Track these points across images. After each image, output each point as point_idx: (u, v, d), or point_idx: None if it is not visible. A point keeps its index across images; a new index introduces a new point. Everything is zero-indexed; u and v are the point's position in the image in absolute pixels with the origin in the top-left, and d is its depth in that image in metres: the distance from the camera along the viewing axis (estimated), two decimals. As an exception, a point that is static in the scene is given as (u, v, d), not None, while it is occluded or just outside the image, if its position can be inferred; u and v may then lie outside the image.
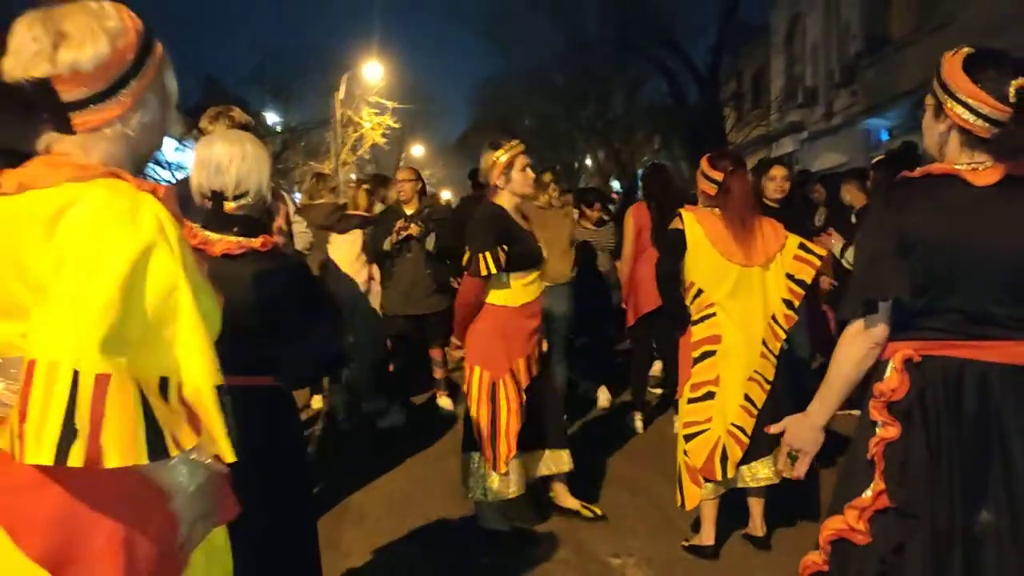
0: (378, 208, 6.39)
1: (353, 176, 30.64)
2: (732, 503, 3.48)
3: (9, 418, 1.14)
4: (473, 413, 3.50)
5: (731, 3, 18.11)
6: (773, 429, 2.11)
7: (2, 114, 1.30)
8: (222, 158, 2.18)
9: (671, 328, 3.66)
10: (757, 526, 3.47)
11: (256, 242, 2.18)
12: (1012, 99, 1.69)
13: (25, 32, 1.28)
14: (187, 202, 2.26)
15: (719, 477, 3.26)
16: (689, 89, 19.54)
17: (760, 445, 3.26)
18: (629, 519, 3.84)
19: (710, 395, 3.32)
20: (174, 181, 6.00)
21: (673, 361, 3.91)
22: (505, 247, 3.43)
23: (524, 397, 3.52)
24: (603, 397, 5.97)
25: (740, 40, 19.97)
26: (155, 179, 10.83)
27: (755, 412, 3.25)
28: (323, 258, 5.76)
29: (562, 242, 5.32)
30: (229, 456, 1.29)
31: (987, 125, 1.73)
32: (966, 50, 1.78)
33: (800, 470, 2.09)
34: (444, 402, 6.04)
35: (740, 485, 3.38)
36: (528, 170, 3.57)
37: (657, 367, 6.16)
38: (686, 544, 3.48)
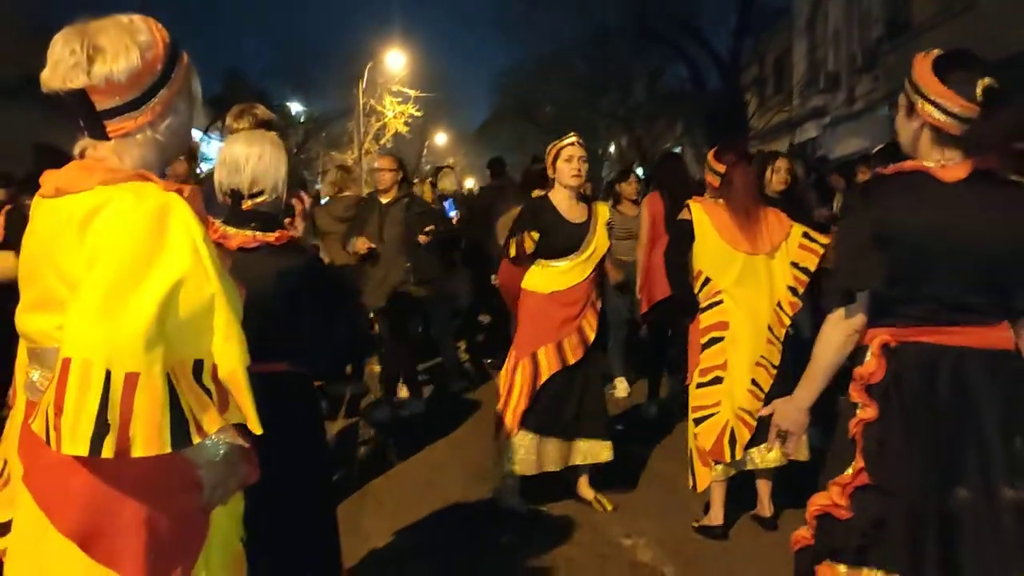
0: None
1: (376, 164, 30.87)
2: (741, 485, 3.61)
3: (42, 403, 1.27)
4: (501, 403, 3.76)
5: (752, -13, 18.00)
6: (763, 412, 2.23)
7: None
8: (239, 157, 2.32)
9: (682, 315, 3.77)
10: (765, 507, 3.58)
11: (271, 236, 2.32)
12: (979, 98, 1.79)
13: (63, 46, 1.40)
14: (210, 199, 2.41)
15: (727, 459, 3.38)
16: (710, 75, 19.46)
17: (768, 428, 3.36)
18: (642, 502, 3.97)
19: (718, 380, 3.43)
20: (200, 171, 6.12)
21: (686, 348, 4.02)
22: (535, 234, 3.64)
23: (540, 382, 3.67)
24: (621, 387, 6.09)
25: (761, 25, 19.81)
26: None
27: (762, 396, 3.35)
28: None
29: None
30: (257, 428, 1.44)
31: (956, 123, 1.83)
32: (936, 52, 1.88)
33: (790, 449, 2.22)
34: (403, 393, 5.90)
35: (749, 467, 3.50)
36: (573, 160, 3.72)
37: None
38: (696, 525, 3.60)
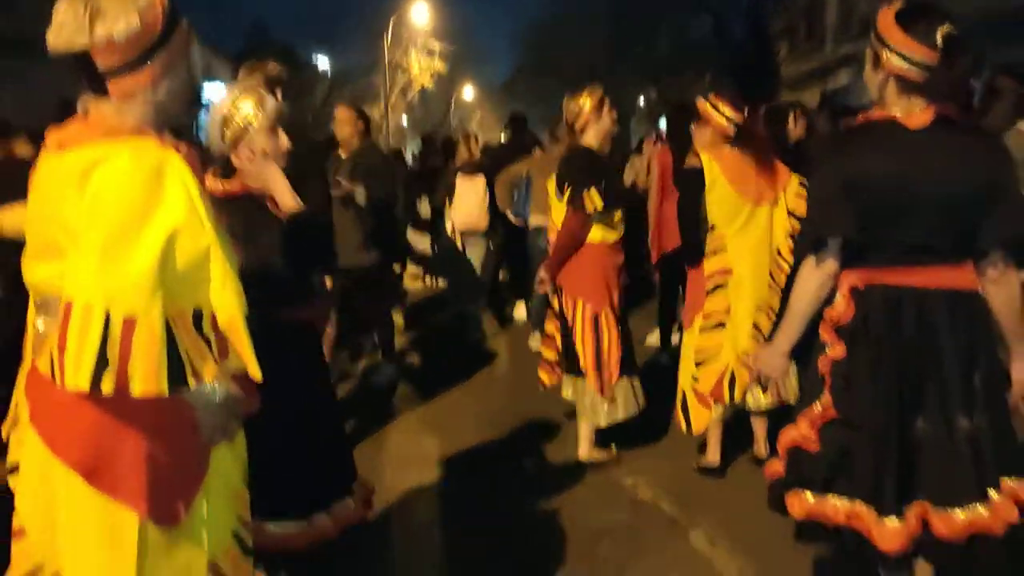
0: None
1: (404, 122, 30.98)
2: (737, 427, 3.74)
3: (47, 344, 1.39)
4: (579, 345, 3.74)
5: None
6: (745, 360, 2.32)
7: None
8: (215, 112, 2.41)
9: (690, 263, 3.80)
10: (761, 447, 3.69)
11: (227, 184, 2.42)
12: (940, 45, 1.83)
13: (67, 8, 1.49)
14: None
15: (726, 401, 3.50)
16: (736, 24, 19.04)
17: None
18: (644, 443, 4.10)
19: (721, 324, 3.52)
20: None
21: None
22: (601, 184, 3.66)
23: (621, 327, 3.80)
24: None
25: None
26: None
27: (763, 340, 3.44)
28: None
29: None
30: (257, 374, 1.56)
31: (918, 71, 1.89)
32: (898, 4, 1.92)
33: (778, 391, 2.32)
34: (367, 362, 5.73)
35: (747, 408, 3.60)
36: (608, 106, 3.77)
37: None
38: (695, 466, 3.73)
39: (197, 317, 1.45)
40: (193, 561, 1.56)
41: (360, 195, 4.93)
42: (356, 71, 25.78)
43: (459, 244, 6.71)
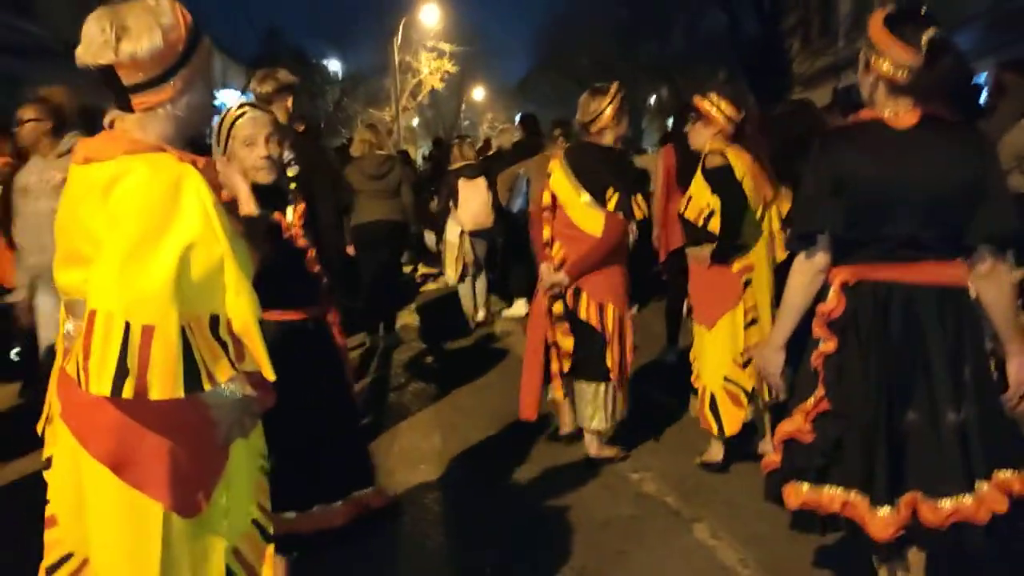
0: None
1: (415, 123, 31.07)
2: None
3: (74, 349, 1.47)
4: (609, 349, 3.71)
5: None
6: (744, 355, 2.39)
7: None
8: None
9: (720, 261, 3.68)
10: (767, 443, 3.74)
11: None
12: (924, 48, 1.91)
13: (94, 25, 1.57)
14: None
15: (767, 397, 3.50)
16: (748, 19, 19.01)
17: None
18: (651, 439, 4.18)
19: (755, 321, 3.58)
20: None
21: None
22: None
23: None
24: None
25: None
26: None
27: None
28: None
29: None
30: (270, 375, 1.64)
31: (905, 73, 1.96)
32: (889, 8, 2.00)
33: (774, 387, 2.39)
34: None
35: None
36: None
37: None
38: (698, 461, 3.80)
39: (214, 322, 1.53)
40: (213, 547, 1.66)
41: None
42: (367, 73, 25.95)
43: (468, 243, 7.00)
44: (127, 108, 1.61)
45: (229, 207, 2.45)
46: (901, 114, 2.01)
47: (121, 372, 1.41)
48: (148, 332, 1.42)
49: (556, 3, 25.22)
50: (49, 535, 1.65)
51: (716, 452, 3.73)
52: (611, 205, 3.59)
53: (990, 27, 10.74)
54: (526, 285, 7.22)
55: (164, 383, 1.44)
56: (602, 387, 3.76)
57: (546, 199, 3.78)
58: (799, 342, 2.23)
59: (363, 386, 5.36)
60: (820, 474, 2.12)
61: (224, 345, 1.54)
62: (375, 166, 6.35)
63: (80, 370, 1.43)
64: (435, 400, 5.12)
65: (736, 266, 3.57)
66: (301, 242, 2.68)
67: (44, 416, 1.75)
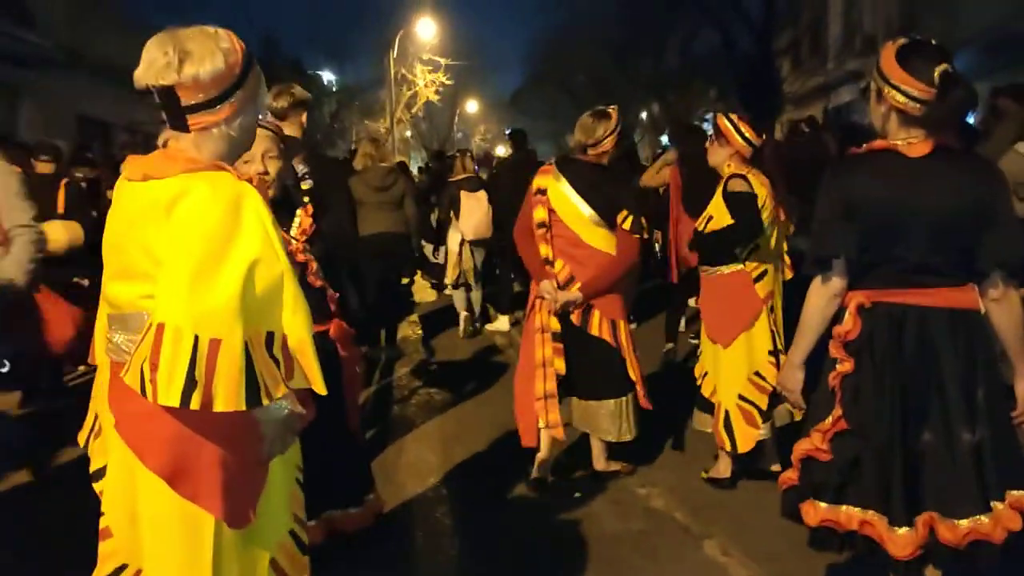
0: None
1: (408, 134, 31.22)
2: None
3: (132, 362, 1.50)
4: (629, 365, 3.75)
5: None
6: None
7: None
8: None
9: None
10: (773, 460, 3.81)
11: None
12: (936, 82, 1.99)
13: (157, 48, 1.63)
14: None
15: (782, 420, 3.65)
16: (743, 39, 19.23)
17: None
18: (656, 453, 4.24)
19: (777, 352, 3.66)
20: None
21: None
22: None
23: None
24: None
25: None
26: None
27: None
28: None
29: None
30: (322, 390, 1.69)
31: (918, 105, 2.05)
32: (901, 41, 2.09)
33: (793, 404, 2.46)
34: None
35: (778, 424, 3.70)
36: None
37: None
38: (705, 476, 3.86)
39: (269, 339, 1.57)
40: (259, 558, 1.70)
41: None
42: (363, 86, 26.03)
43: (468, 252, 7.34)
44: (182, 128, 1.67)
45: None
46: (914, 144, 2.09)
47: (190, 383, 1.45)
48: (215, 345, 1.46)
49: (551, 18, 25.35)
50: (104, 547, 1.68)
51: (724, 468, 3.79)
52: (626, 225, 3.64)
53: (984, 51, 10.91)
54: (508, 302, 7.59)
55: (228, 396, 1.48)
56: (623, 401, 3.77)
57: (541, 215, 3.70)
58: (814, 363, 2.30)
59: (366, 398, 5.39)
60: (837, 493, 2.18)
61: (276, 362, 1.58)
62: (379, 178, 6.41)
63: (146, 382, 1.46)
64: (439, 412, 5.17)
65: (761, 292, 3.64)
66: (300, 257, 2.74)
67: (89, 428, 1.78)
